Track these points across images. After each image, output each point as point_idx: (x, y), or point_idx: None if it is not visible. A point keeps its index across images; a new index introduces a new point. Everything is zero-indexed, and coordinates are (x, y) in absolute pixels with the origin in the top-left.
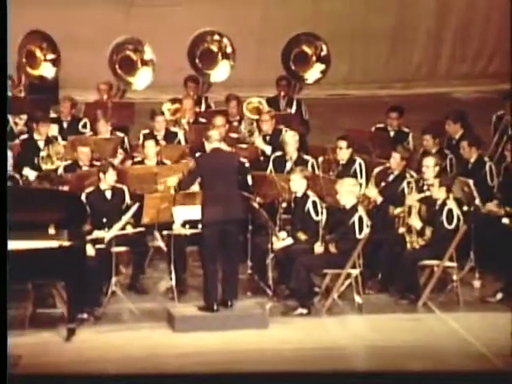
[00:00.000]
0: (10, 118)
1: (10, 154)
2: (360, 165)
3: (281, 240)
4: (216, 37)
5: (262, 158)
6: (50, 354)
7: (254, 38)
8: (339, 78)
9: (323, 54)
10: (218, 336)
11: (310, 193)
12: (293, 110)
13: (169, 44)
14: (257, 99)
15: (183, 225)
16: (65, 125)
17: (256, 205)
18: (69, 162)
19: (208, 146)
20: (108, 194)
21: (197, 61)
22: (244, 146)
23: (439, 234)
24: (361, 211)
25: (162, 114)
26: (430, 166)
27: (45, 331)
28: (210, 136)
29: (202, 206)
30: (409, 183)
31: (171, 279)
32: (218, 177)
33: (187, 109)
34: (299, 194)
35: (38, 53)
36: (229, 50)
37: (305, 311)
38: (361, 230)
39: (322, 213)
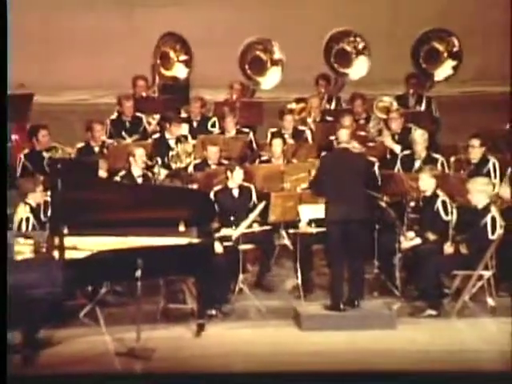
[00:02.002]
0: (143, 117)
1: (141, 152)
2: (494, 164)
3: (409, 240)
4: (351, 38)
5: (389, 157)
6: (181, 348)
7: (383, 35)
8: (471, 74)
9: (455, 49)
10: (345, 335)
11: (439, 192)
12: (422, 108)
13: (298, 43)
14: (388, 99)
15: (309, 223)
16: (194, 124)
17: (383, 204)
18: (198, 160)
19: (336, 146)
20: (235, 193)
21: (332, 60)
22: (371, 144)
23: None
24: (494, 211)
25: (290, 112)
26: None
27: (176, 326)
28: (339, 136)
29: (326, 205)
30: None
31: (297, 277)
32: (342, 176)
33: (313, 107)
34: (428, 193)
35: (172, 54)
36: (361, 47)
37: (434, 313)
38: (493, 230)
39: (451, 212)
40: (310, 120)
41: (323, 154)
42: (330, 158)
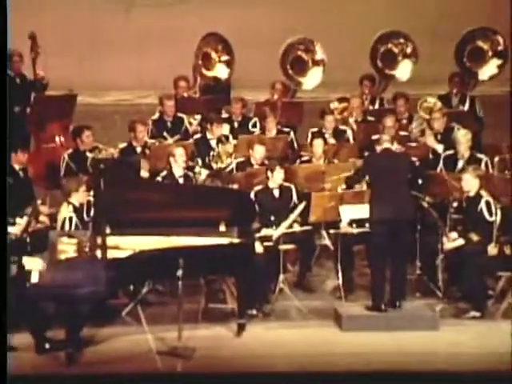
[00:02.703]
0: (184, 117)
1: (181, 152)
2: None
3: (451, 240)
4: (400, 39)
5: (431, 157)
6: (221, 348)
7: (427, 34)
8: None
9: (500, 48)
10: (386, 336)
11: (483, 192)
12: (466, 108)
13: (340, 43)
14: (433, 99)
15: (350, 223)
16: (235, 124)
17: (425, 204)
18: (242, 159)
19: (378, 147)
20: (276, 193)
21: (378, 61)
22: (413, 144)
23: None
24: None
25: (332, 112)
26: None
27: (216, 325)
28: (382, 137)
29: (370, 205)
30: None
31: (338, 278)
32: (387, 176)
33: (355, 107)
34: (471, 194)
35: (214, 55)
36: (409, 50)
37: (478, 314)
38: None
39: (495, 213)
40: (351, 120)
41: (367, 153)
42: (375, 158)
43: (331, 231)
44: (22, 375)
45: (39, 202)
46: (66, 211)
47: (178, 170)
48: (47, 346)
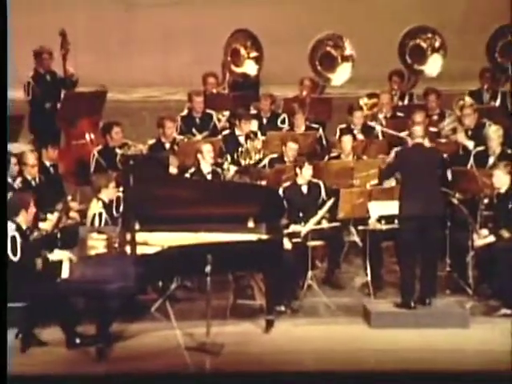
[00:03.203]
0: (213, 114)
1: (209, 148)
2: None
3: (482, 237)
4: (428, 34)
5: (461, 153)
6: (250, 344)
7: (457, 30)
8: None
9: None
10: (416, 334)
11: None
12: (497, 103)
13: (369, 39)
14: (469, 99)
15: (379, 220)
16: (264, 120)
17: (455, 200)
18: (274, 155)
19: (410, 141)
20: (304, 189)
21: (407, 57)
22: (443, 140)
23: None
24: None
25: (360, 108)
26: None
27: (245, 321)
28: (413, 132)
29: (400, 201)
30: None
31: (367, 274)
32: (418, 172)
33: (385, 103)
34: (503, 190)
35: (243, 51)
36: (437, 44)
37: (509, 312)
38: None
39: None
40: (381, 116)
41: (398, 148)
42: (406, 153)
43: (360, 227)
44: (22, 375)
45: (69, 198)
46: (95, 207)
47: (206, 167)
48: (78, 340)
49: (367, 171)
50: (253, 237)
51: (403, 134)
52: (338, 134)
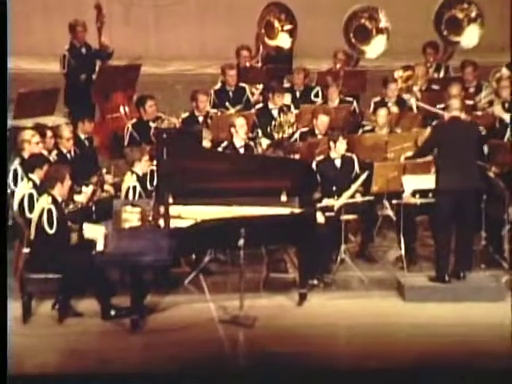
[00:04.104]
0: (246, 87)
1: (242, 122)
2: None
3: None
4: (464, 5)
5: (498, 126)
6: (283, 317)
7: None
8: None
9: None
10: (450, 308)
11: None
12: None
13: (404, 10)
14: (505, 70)
15: (413, 194)
16: (297, 94)
17: (491, 174)
18: (304, 129)
19: (446, 115)
20: (338, 163)
21: (442, 27)
22: (479, 113)
23: None
24: None
25: (395, 81)
26: None
27: (278, 295)
28: (449, 105)
29: (436, 175)
30: None
31: (400, 248)
32: (455, 146)
33: (420, 76)
34: None
35: (276, 24)
36: (474, 14)
37: None
38: None
39: None
40: (415, 89)
41: (434, 123)
42: (442, 128)
43: (394, 201)
44: (22, 375)
45: (104, 171)
46: (129, 180)
47: (239, 141)
48: (112, 312)
49: (401, 144)
50: (286, 211)
51: (438, 108)
52: (372, 107)
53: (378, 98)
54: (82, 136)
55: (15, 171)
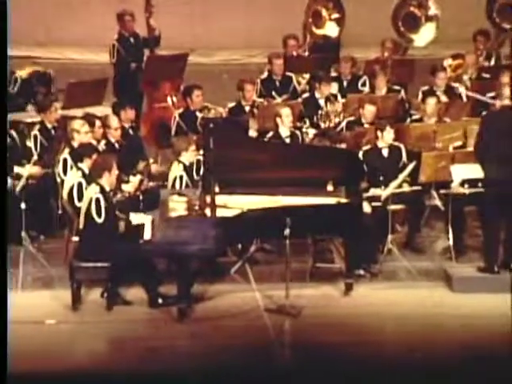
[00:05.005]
0: (293, 76)
1: (288, 112)
2: None
3: None
4: None
5: None
6: (329, 307)
7: None
8: None
9: None
10: (499, 299)
11: None
12: None
13: None
14: None
15: (462, 184)
16: (344, 83)
17: None
18: (351, 118)
19: (498, 103)
20: (385, 152)
21: (494, 15)
22: None
23: None
24: None
25: (444, 69)
26: None
27: (324, 285)
28: (501, 94)
29: (485, 165)
30: None
31: (449, 239)
32: (505, 135)
33: (470, 64)
34: None
35: (324, 12)
36: None
37: None
38: None
39: None
40: (465, 77)
41: (484, 113)
42: (492, 117)
43: (442, 191)
44: (22, 375)
45: (151, 160)
46: (176, 170)
47: (285, 131)
48: (160, 300)
49: (450, 134)
50: (332, 200)
51: (488, 96)
52: (420, 96)
53: (426, 87)
54: (126, 125)
55: (65, 160)
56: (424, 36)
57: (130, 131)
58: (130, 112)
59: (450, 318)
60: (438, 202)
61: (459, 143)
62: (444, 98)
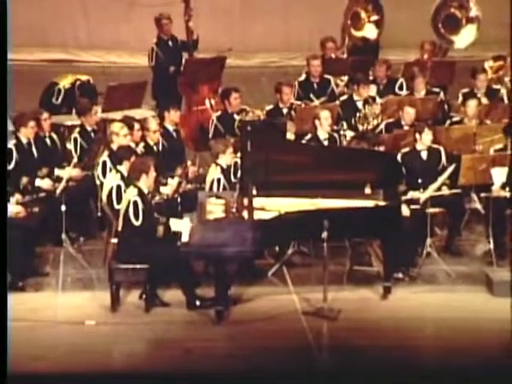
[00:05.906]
0: (331, 79)
1: (327, 114)
2: None
3: None
4: None
5: None
6: (367, 310)
7: None
8: None
9: None
10: None
11: None
12: None
13: None
14: None
15: (503, 186)
16: (381, 87)
17: None
18: (390, 120)
19: None
20: (424, 155)
21: None
22: None
23: None
24: None
25: (485, 71)
26: None
27: (362, 288)
28: None
29: None
30: None
31: (489, 242)
32: None
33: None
34: None
35: (363, 14)
36: None
37: None
38: None
39: None
40: (507, 79)
41: None
42: None
43: (482, 194)
44: (22, 375)
45: (189, 163)
46: (214, 172)
47: (323, 133)
48: (198, 302)
49: (491, 136)
50: (370, 203)
51: None
52: (460, 98)
53: (466, 89)
54: (170, 127)
55: (104, 163)
56: (464, 38)
57: (174, 134)
58: (174, 114)
59: (491, 323)
60: (478, 205)
61: (500, 146)
62: (485, 100)
